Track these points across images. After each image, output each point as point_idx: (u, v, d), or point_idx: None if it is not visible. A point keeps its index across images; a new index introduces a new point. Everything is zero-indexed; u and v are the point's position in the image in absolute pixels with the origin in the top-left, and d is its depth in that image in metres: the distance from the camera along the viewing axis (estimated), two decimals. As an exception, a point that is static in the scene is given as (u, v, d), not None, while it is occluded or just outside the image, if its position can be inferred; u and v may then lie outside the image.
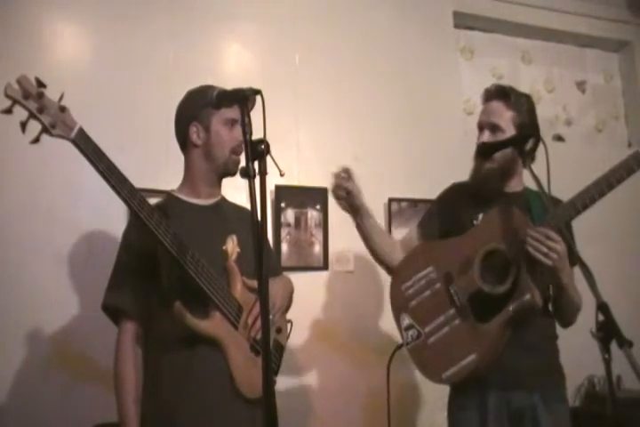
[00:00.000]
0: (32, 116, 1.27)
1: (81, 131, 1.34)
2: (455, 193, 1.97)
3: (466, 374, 1.67)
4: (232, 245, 1.64)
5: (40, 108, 1.27)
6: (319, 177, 2.70)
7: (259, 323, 1.56)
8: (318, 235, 2.66)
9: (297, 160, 2.68)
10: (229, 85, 1.42)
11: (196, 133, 1.66)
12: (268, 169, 1.24)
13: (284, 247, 2.59)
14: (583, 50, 3.69)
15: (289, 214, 2.63)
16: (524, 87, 3.48)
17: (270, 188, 2.57)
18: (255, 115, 1.25)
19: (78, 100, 2.29)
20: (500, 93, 1.87)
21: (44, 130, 1.28)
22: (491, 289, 1.69)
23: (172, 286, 1.53)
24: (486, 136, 1.84)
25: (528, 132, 1.81)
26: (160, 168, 2.29)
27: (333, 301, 2.64)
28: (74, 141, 1.32)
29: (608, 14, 3.57)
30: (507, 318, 1.67)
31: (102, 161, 1.36)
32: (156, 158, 2.35)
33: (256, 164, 1.22)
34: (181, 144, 1.71)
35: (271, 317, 1.55)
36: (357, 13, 2.94)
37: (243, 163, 1.27)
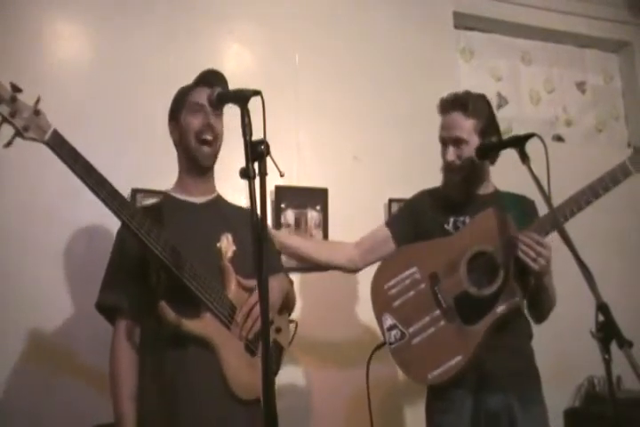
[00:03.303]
0: (4, 120, 1.26)
1: (55, 133, 1.32)
2: (425, 198, 1.96)
3: (452, 374, 1.67)
4: (226, 244, 1.60)
5: (13, 112, 1.25)
6: (319, 177, 2.70)
7: (250, 322, 1.55)
8: (318, 235, 2.65)
9: (297, 160, 2.68)
10: (230, 85, 1.42)
11: (172, 131, 1.67)
12: (268, 170, 1.23)
13: (284, 247, 2.59)
14: (583, 50, 3.69)
15: (289, 215, 2.63)
16: (523, 88, 3.50)
17: (270, 188, 2.57)
18: (255, 115, 1.25)
19: (78, 100, 2.34)
20: (456, 103, 1.83)
21: (17, 133, 1.27)
22: (477, 292, 1.69)
23: (162, 287, 1.50)
24: (451, 152, 1.82)
25: (491, 136, 1.81)
26: (160, 168, 2.26)
27: (333, 301, 2.64)
28: (47, 144, 1.31)
29: (607, 14, 3.57)
30: (494, 320, 1.67)
31: (78, 162, 1.33)
32: (156, 158, 2.34)
33: (256, 164, 1.21)
34: None
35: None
36: (357, 13, 2.94)
37: (240, 162, 1.24)
